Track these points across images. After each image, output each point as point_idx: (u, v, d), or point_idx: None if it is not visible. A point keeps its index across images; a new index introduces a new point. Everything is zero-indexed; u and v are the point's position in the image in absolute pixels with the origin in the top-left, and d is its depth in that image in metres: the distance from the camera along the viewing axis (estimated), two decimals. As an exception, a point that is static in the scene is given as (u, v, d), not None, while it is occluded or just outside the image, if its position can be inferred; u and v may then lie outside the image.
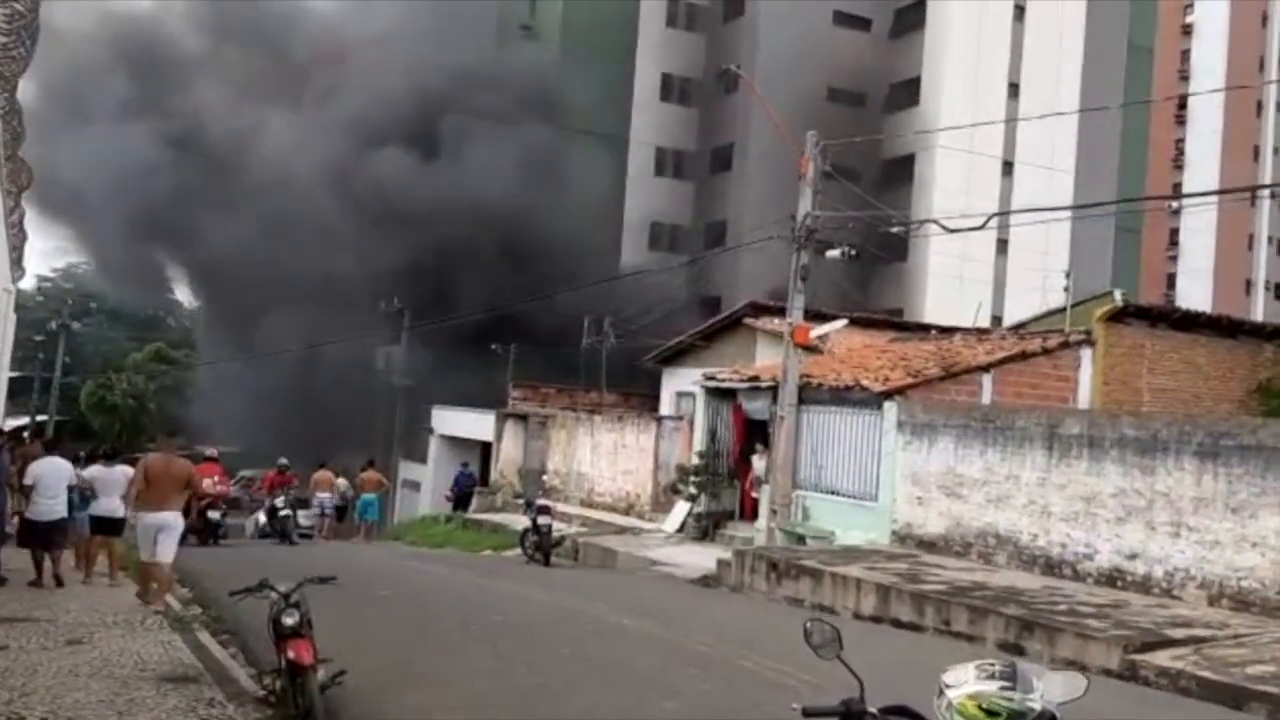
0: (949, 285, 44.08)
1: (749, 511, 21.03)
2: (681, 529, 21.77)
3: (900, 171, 43.80)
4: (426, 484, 35.62)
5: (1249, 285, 73.85)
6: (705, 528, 21.07)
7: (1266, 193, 71.25)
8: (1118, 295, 20.83)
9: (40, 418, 46.03)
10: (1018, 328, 23.59)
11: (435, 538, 25.99)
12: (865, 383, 18.12)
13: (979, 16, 44.71)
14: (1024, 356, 18.92)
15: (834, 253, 19.03)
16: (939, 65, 44.70)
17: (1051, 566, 14.59)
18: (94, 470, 14.72)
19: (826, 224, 21.31)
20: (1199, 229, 72.48)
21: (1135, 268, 52.95)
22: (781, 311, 28.64)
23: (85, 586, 13.77)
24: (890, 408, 17.37)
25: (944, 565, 15.14)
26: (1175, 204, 71.90)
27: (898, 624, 13.10)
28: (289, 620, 7.26)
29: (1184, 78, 76.30)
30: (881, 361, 20.44)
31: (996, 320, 40.50)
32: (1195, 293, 65.13)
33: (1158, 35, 56.13)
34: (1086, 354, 19.34)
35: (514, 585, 15.28)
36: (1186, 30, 77.47)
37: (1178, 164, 75.95)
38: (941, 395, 17.98)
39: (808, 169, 19.41)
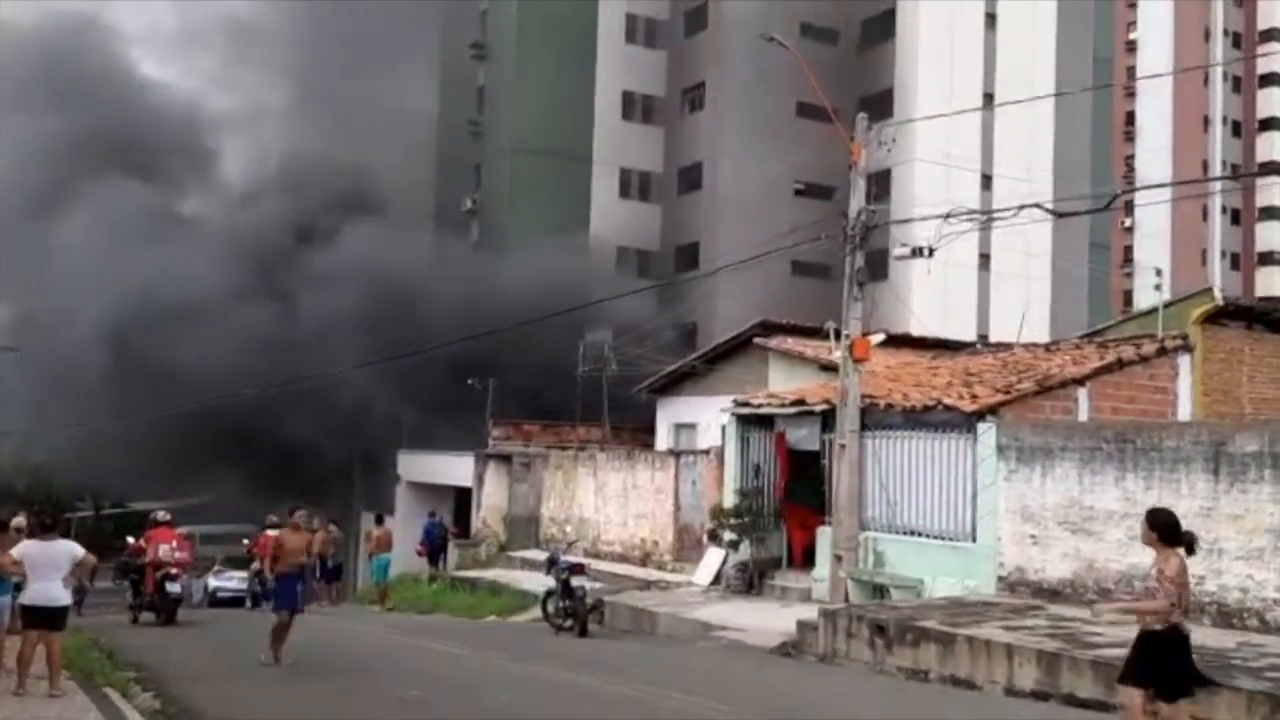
0: (933, 303, 42.16)
1: (799, 558, 18.21)
2: (717, 580, 18.89)
3: (876, 188, 41.68)
4: (395, 538, 32.11)
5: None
6: (750, 578, 18.14)
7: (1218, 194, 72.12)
8: (1218, 293, 18.41)
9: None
10: (1091, 335, 21.12)
11: (422, 601, 22.69)
12: (949, 402, 15.43)
13: (949, 25, 43.22)
14: (1120, 365, 16.40)
15: (903, 250, 16.44)
16: (913, 72, 42.98)
17: (1227, 616, 11.96)
18: (25, 547, 11.55)
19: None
20: (1153, 237, 73.75)
21: (1105, 283, 52.24)
22: (795, 330, 26.25)
23: (18, 699, 10.60)
24: (987, 429, 14.69)
25: (1089, 619, 12.40)
26: (1128, 219, 73.35)
27: (1072, 701, 10.40)
28: None
29: (1130, 94, 77.85)
30: (945, 378, 17.80)
31: (983, 338, 38.42)
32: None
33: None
34: (1184, 361, 16.91)
35: (565, 671, 12.19)
36: (1130, 47, 78.53)
37: (1127, 179, 76.46)
38: (1036, 414, 15.39)
39: (860, 157, 16.87)
